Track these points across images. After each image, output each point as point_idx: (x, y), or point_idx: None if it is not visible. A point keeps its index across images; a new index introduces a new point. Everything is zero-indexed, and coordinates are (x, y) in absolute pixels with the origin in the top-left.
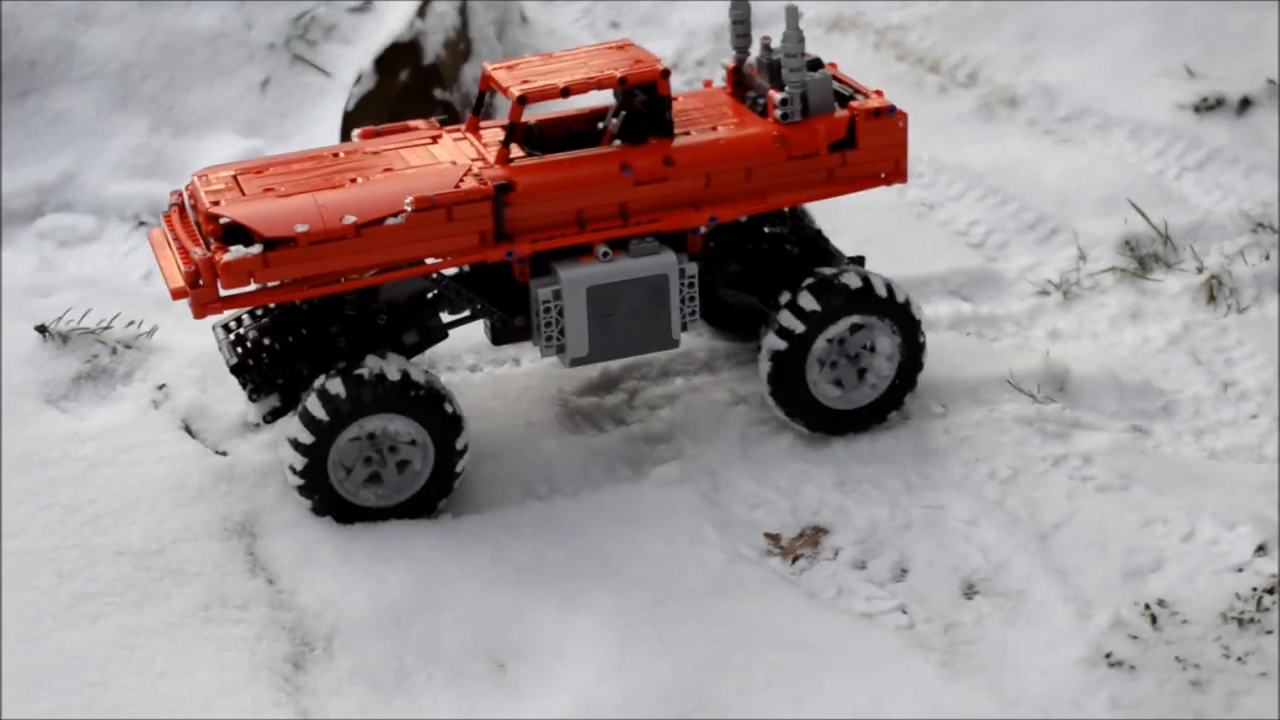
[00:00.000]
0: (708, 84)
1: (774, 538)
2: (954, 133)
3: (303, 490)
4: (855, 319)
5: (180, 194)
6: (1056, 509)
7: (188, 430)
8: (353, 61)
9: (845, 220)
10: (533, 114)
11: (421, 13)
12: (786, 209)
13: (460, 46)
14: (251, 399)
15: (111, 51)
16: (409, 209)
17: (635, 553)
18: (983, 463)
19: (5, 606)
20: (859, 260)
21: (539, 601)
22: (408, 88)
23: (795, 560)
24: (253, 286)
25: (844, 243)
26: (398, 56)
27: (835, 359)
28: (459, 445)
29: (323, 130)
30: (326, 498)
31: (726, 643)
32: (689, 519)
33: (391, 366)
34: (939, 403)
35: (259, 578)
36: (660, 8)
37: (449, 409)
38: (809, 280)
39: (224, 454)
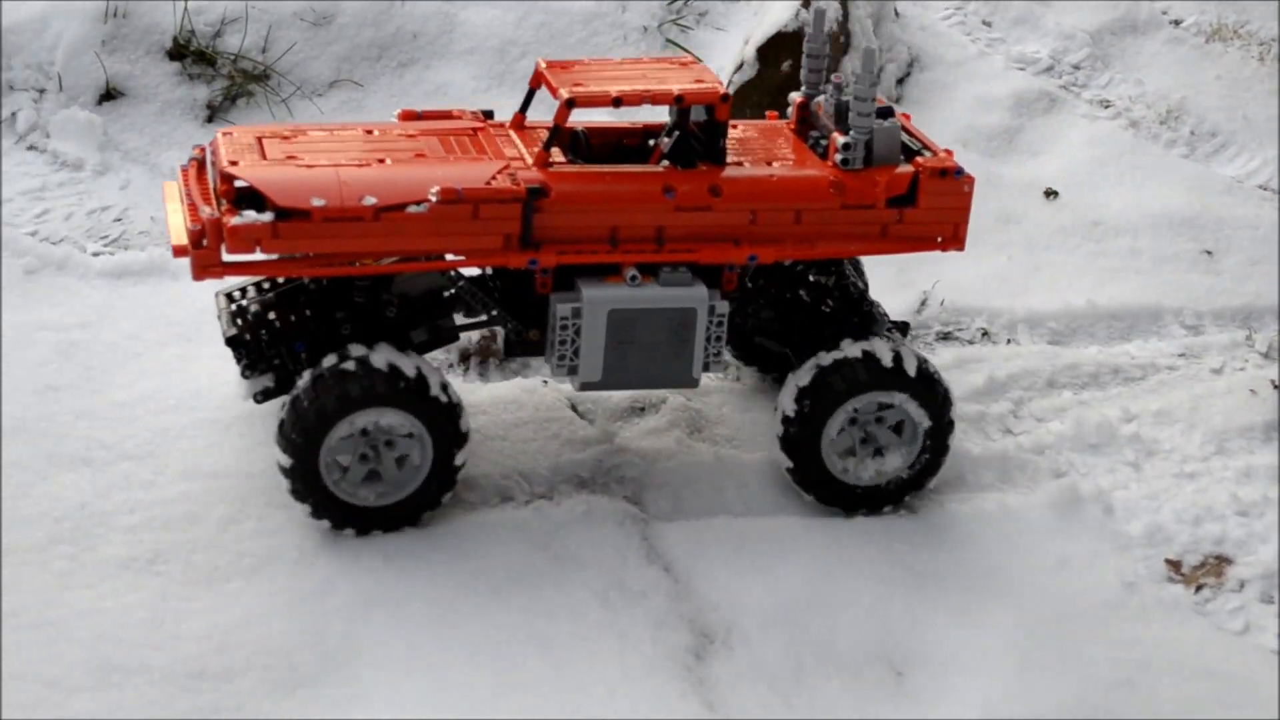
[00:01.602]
0: (772, 116)
1: (1175, 564)
2: None
3: (294, 493)
4: (876, 396)
5: (203, 149)
6: None
7: (574, 409)
8: (724, 48)
9: (1231, 239)
10: (587, 121)
11: (806, 3)
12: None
13: (841, 39)
14: (244, 375)
15: (491, 27)
16: (433, 199)
17: (1030, 568)
18: None
19: (416, 575)
20: (903, 327)
21: (934, 609)
22: (789, 78)
23: (1198, 589)
24: (258, 255)
25: (1231, 262)
26: (781, 46)
27: (852, 434)
28: (460, 434)
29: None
30: (320, 498)
31: (1131, 667)
32: (1084, 538)
33: (379, 357)
34: None
35: (656, 565)
36: (1035, 8)
37: (442, 398)
38: (834, 349)
39: (611, 436)
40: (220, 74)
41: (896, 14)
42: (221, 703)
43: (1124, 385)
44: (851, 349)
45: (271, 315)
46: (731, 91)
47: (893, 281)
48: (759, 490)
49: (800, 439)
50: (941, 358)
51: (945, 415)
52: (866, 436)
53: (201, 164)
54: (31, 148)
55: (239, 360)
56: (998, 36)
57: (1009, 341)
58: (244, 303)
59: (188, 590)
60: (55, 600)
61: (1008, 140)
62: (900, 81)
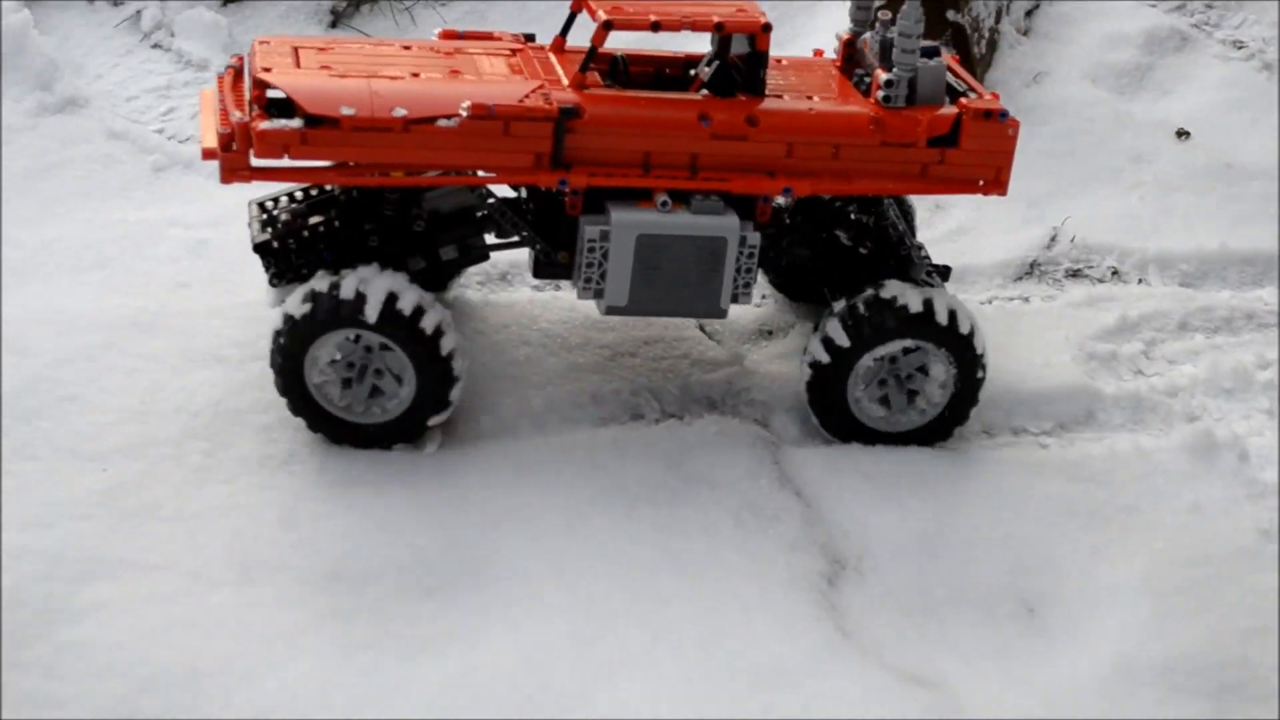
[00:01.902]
0: (818, 53)
1: None
2: None
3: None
4: (907, 343)
5: (240, 58)
6: None
7: (703, 330)
8: None
9: None
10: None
11: None
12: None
13: None
14: (271, 283)
15: None
16: (464, 114)
17: (1164, 511)
18: None
19: (550, 488)
20: (944, 271)
21: (1067, 546)
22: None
23: None
24: (286, 161)
25: None
26: None
27: (883, 379)
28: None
29: (817, 41)
30: (306, 408)
31: (1267, 615)
32: (1218, 484)
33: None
34: None
35: (787, 490)
36: None
37: (425, 329)
38: (866, 293)
39: (740, 358)
40: None
41: None
42: (359, 604)
43: (1258, 331)
44: (877, 294)
45: (301, 224)
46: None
47: (1021, 218)
48: None
49: (829, 383)
50: (1071, 295)
51: (975, 366)
52: (899, 381)
53: (239, 72)
54: (156, 46)
55: (267, 268)
56: None
57: (1140, 281)
58: (275, 211)
59: (322, 492)
60: (193, 495)
61: (1138, 78)
62: (1029, 14)
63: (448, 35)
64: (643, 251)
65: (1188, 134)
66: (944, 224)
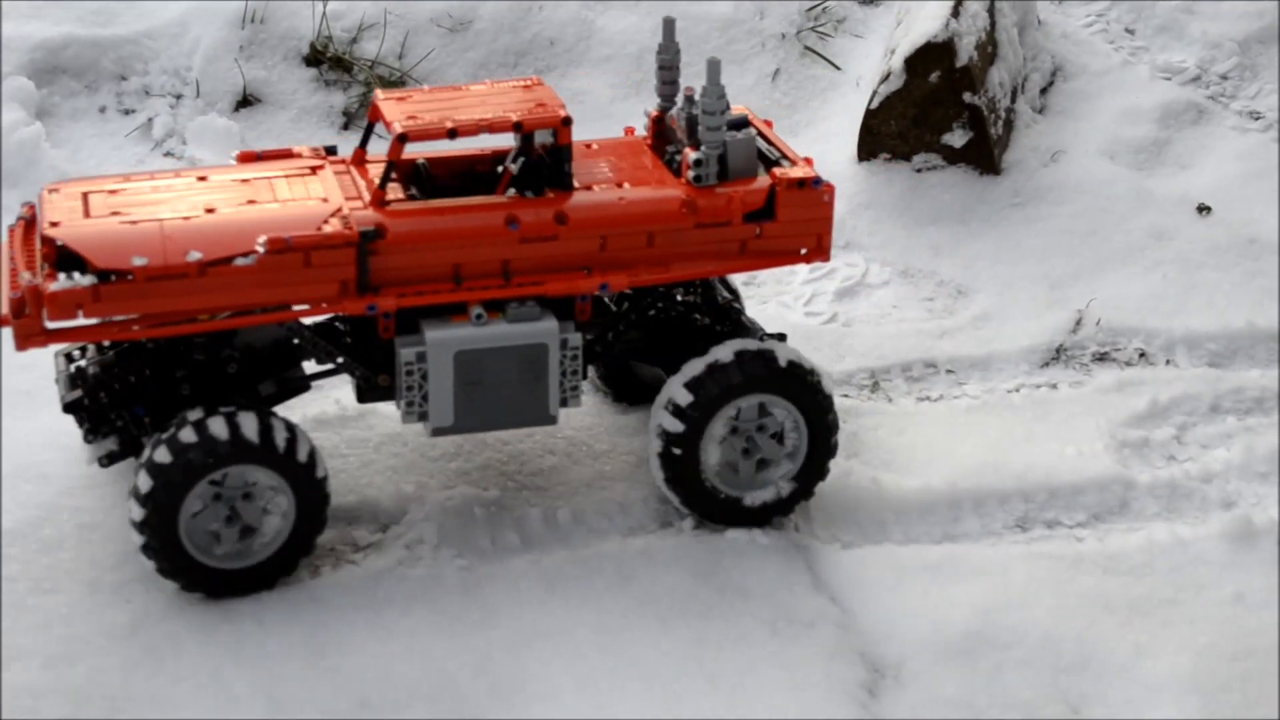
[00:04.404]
0: (629, 131)
1: None
2: None
3: (146, 550)
4: (751, 400)
5: (32, 207)
6: None
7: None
8: (864, 55)
9: None
10: (435, 149)
11: (955, 12)
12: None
13: (988, 49)
14: (87, 440)
15: (628, 34)
16: (261, 250)
17: (1206, 602)
18: None
19: (580, 604)
20: (780, 337)
21: (1108, 644)
22: (937, 90)
23: None
24: (83, 320)
25: None
26: (930, 57)
27: (731, 445)
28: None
29: (831, 125)
30: (175, 559)
31: None
32: (1260, 572)
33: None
34: None
35: (822, 595)
36: (1180, 16)
37: (302, 458)
38: (703, 359)
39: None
40: (356, 80)
41: (1039, 21)
42: None
43: None
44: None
45: (109, 377)
46: (877, 103)
47: (1044, 301)
48: (920, 516)
49: (680, 455)
50: (1100, 380)
51: (825, 416)
52: (749, 444)
53: (30, 223)
54: (169, 154)
55: (80, 424)
56: (1141, 45)
57: (1168, 363)
58: (82, 363)
59: (349, 617)
60: (218, 626)
61: (1156, 153)
62: (1044, 91)
63: (245, 157)
64: (462, 368)
65: (1209, 209)
66: (966, 310)
